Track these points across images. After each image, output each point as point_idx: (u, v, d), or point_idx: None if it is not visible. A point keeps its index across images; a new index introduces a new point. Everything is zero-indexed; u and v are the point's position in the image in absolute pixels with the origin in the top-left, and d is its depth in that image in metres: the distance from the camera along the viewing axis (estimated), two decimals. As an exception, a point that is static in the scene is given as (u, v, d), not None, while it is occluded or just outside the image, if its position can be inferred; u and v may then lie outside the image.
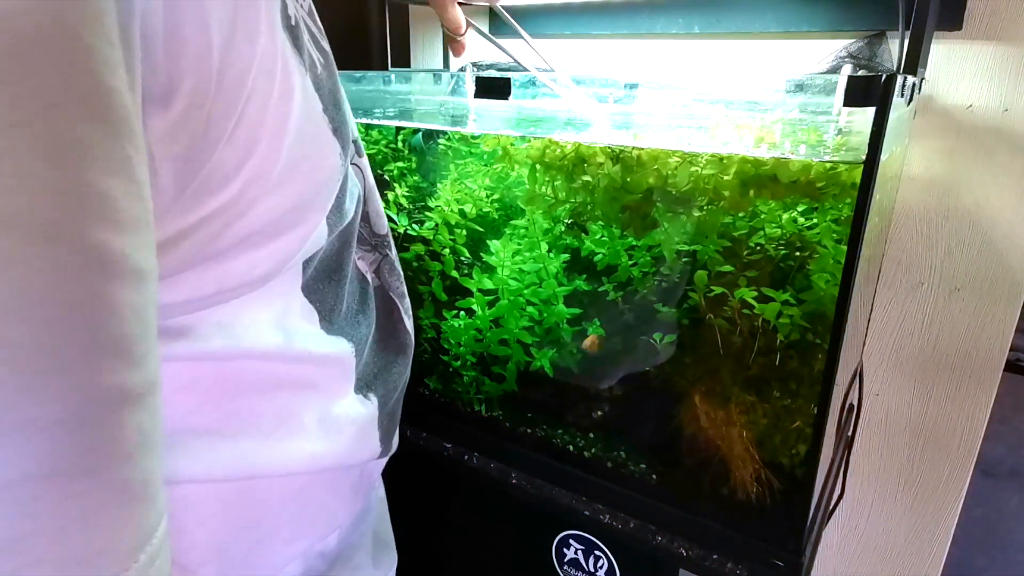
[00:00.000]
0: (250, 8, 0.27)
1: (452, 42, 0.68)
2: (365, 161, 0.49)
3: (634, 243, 0.64)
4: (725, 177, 0.55)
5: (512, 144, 0.68)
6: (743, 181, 0.54)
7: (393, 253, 0.52)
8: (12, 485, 0.19)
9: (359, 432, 0.44)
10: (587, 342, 0.67)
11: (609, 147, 0.60)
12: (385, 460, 0.51)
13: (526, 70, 0.66)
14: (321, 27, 0.39)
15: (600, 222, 0.65)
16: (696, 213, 0.58)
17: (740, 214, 0.57)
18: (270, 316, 0.37)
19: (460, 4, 0.70)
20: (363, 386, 0.45)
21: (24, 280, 0.18)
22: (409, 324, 0.52)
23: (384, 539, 0.59)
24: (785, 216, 0.57)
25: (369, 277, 0.49)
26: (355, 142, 0.48)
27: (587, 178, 0.62)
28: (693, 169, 0.56)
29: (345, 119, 0.36)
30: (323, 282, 0.41)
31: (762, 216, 0.56)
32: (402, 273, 0.54)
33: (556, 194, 0.65)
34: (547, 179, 0.65)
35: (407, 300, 0.54)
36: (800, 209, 0.57)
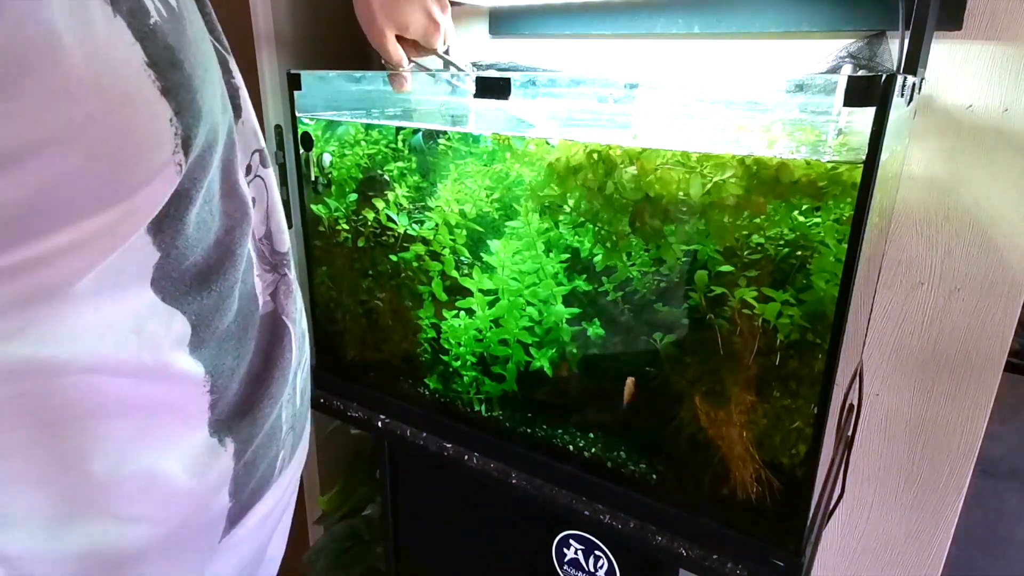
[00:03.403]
0: None
1: (393, 77, 0.67)
2: (270, 173, 0.46)
3: (639, 248, 0.63)
4: (731, 180, 0.54)
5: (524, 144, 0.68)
6: (750, 185, 0.54)
7: (292, 273, 0.48)
8: None
9: (203, 488, 0.38)
10: (628, 390, 0.66)
11: (622, 149, 0.60)
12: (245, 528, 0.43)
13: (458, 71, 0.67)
14: None
15: (601, 226, 0.64)
16: (706, 219, 0.58)
17: (754, 217, 0.57)
18: (105, 320, 0.32)
19: (453, 4, 0.70)
20: (221, 427, 0.39)
21: None
22: (294, 355, 0.46)
23: None
24: (788, 215, 0.57)
25: (261, 300, 0.44)
26: (260, 152, 0.45)
27: (609, 188, 0.62)
28: (714, 180, 0.56)
29: (190, 84, 0.31)
30: (196, 292, 0.36)
31: (776, 218, 0.56)
32: (300, 297, 0.49)
33: (565, 195, 0.65)
34: (562, 181, 0.65)
35: (302, 327, 0.48)
36: (802, 208, 0.57)
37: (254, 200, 0.43)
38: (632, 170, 0.58)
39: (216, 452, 0.39)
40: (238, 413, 0.40)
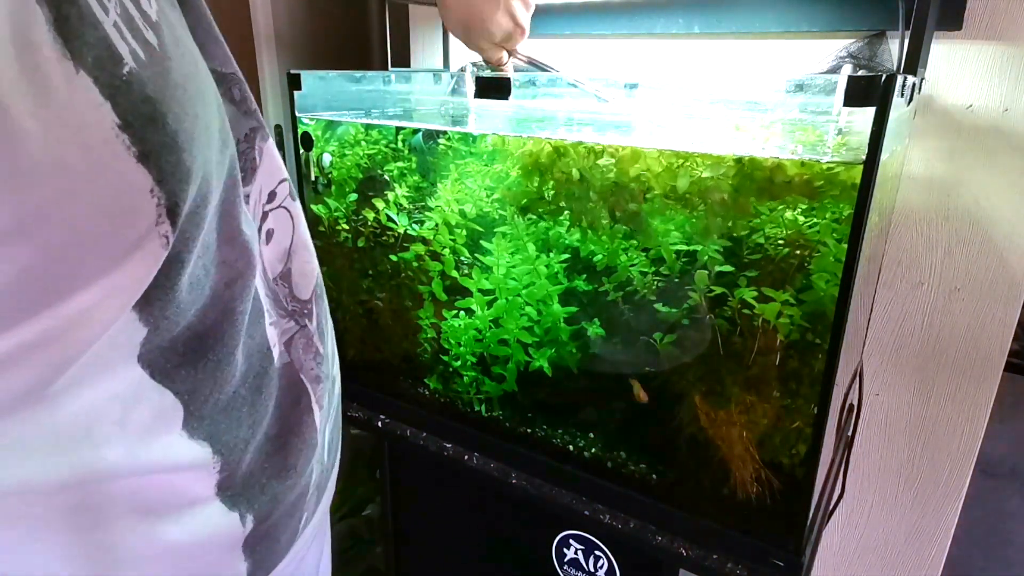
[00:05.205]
0: None
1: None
2: (298, 207, 0.40)
3: (629, 243, 0.63)
4: (721, 177, 0.54)
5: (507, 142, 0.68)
6: (741, 184, 0.54)
7: (313, 324, 0.42)
8: None
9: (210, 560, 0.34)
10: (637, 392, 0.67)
11: (602, 145, 0.60)
12: None
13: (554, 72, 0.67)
14: (164, 16, 0.28)
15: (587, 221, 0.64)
16: (700, 216, 0.58)
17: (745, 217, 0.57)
18: (86, 417, 0.28)
19: None
20: (238, 500, 0.35)
21: None
22: (319, 417, 0.40)
23: None
24: (788, 215, 0.57)
25: (276, 352, 0.38)
26: (287, 181, 0.41)
27: (576, 175, 0.62)
28: (705, 175, 0.56)
29: (175, 142, 0.26)
30: (190, 363, 0.31)
31: (765, 216, 0.56)
32: (322, 350, 0.43)
33: (544, 191, 0.65)
34: (538, 176, 0.65)
35: (325, 385, 0.42)
36: (800, 208, 0.57)
37: (272, 233, 0.38)
38: (604, 162, 0.58)
39: (232, 527, 0.35)
40: (255, 487, 0.36)
